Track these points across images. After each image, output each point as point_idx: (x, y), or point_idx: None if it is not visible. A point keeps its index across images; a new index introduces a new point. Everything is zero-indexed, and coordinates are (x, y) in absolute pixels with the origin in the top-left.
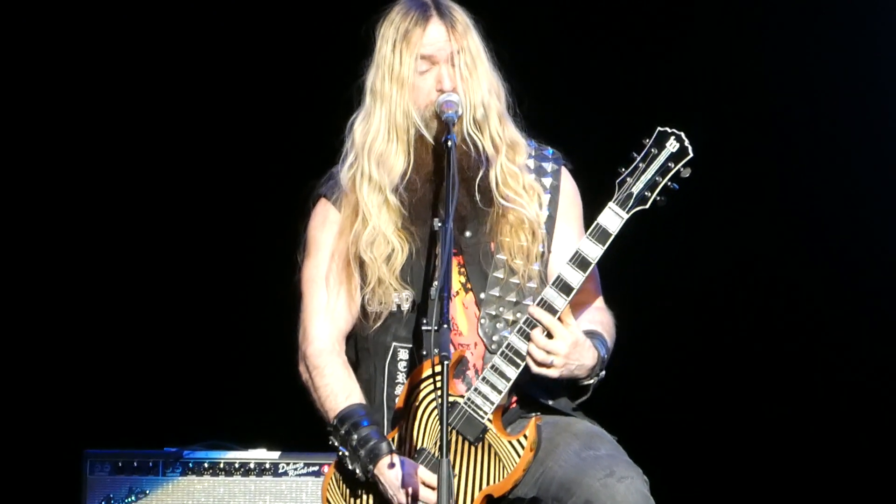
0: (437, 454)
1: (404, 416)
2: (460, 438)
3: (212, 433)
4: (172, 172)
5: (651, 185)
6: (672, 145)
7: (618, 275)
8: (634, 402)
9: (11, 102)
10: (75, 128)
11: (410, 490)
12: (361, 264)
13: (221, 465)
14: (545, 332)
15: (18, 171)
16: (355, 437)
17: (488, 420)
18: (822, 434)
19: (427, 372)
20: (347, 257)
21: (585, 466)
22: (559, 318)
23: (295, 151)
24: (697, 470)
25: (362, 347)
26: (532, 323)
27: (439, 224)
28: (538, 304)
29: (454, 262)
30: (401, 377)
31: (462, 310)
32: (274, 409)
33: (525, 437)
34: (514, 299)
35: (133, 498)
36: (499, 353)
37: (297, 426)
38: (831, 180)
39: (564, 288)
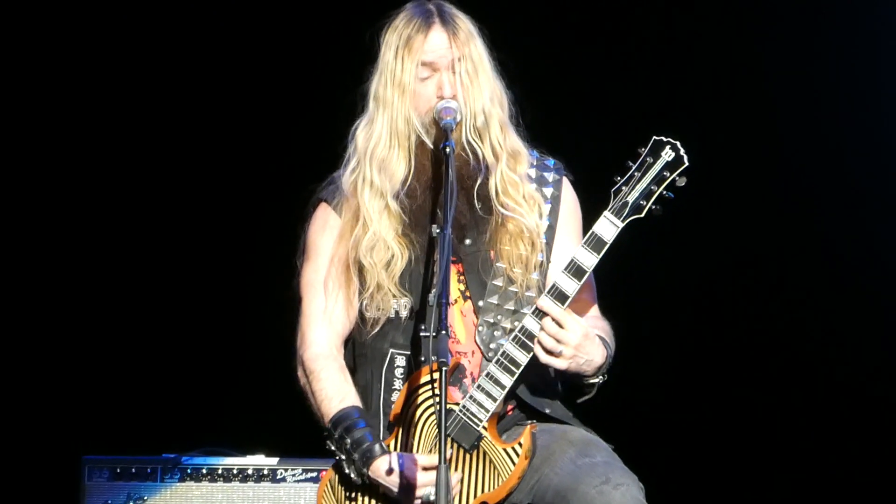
0: None
1: (400, 423)
2: (455, 446)
3: (210, 439)
4: (171, 176)
5: (646, 194)
6: (667, 154)
7: (614, 282)
8: (630, 410)
9: (15, 103)
10: (79, 131)
11: (410, 482)
12: (361, 269)
13: (220, 471)
14: (555, 323)
15: (17, 175)
16: (349, 440)
17: (483, 428)
18: (819, 442)
19: (424, 378)
20: (347, 262)
21: (581, 474)
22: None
23: (295, 155)
24: (693, 477)
25: (360, 353)
26: (528, 332)
27: (437, 230)
28: (532, 314)
29: (454, 270)
30: (397, 384)
31: (460, 318)
32: (272, 415)
33: (520, 444)
34: (513, 308)
35: None
36: (494, 360)
37: (296, 432)
38: (829, 184)
39: (560, 296)
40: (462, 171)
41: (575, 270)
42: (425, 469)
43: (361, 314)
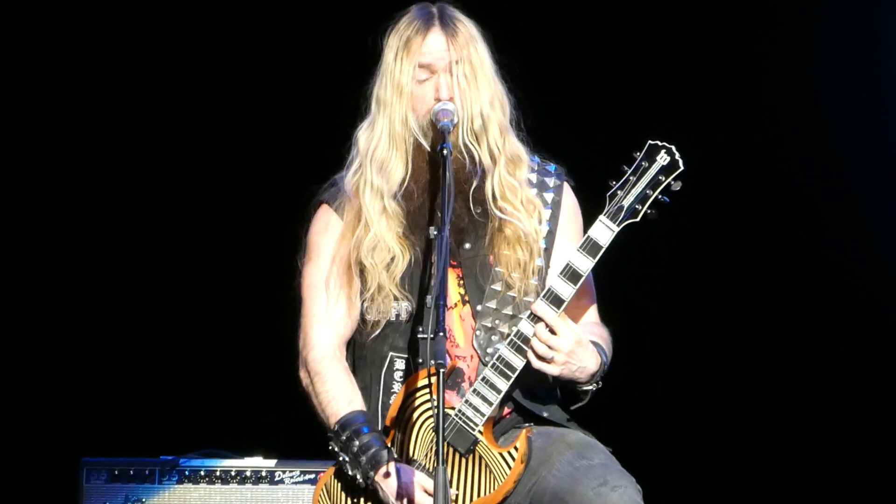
0: (427, 465)
1: (397, 426)
2: (451, 450)
3: (208, 441)
4: (169, 177)
5: (642, 199)
6: (663, 158)
7: (611, 285)
8: (629, 413)
9: (15, 104)
10: (81, 132)
11: (409, 498)
12: (362, 270)
13: (218, 474)
14: (548, 329)
15: (16, 177)
16: (357, 443)
17: (479, 432)
18: (819, 445)
19: (421, 382)
20: (348, 262)
21: (579, 476)
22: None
23: (296, 157)
24: (691, 480)
25: (359, 355)
26: (524, 336)
27: (435, 233)
28: (528, 318)
29: (454, 274)
30: (396, 387)
31: (459, 322)
32: (270, 417)
33: (516, 449)
34: (511, 312)
35: None
36: (490, 365)
37: (294, 434)
38: (827, 187)
39: (555, 300)
40: (458, 174)
41: (570, 275)
42: (425, 490)
43: (362, 316)
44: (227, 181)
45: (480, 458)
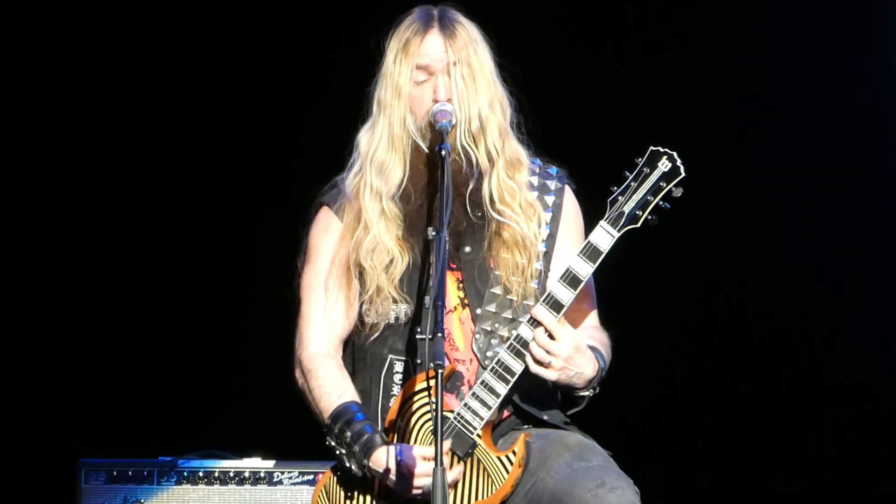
0: None
1: (395, 429)
2: (450, 453)
3: (207, 442)
4: (169, 178)
5: (643, 205)
6: (664, 165)
7: (612, 290)
8: (628, 416)
9: (24, 105)
10: (84, 133)
11: (410, 472)
12: (361, 272)
13: (216, 474)
14: (547, 334)
15: (17, 177)
16: (349, 433)
17: (477, 436)
18: (818, 448)
19: (419, 385)
20: (348, 263)
21: (577, 478)
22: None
23: (296, 158)
24: (690, 483)
25: (359, 358)
26: (523, 341)
27: (433, 233)
28: (528, 322)
29: (453, 277)
30: (396, 389)
31: (459, 325)
32: (269, 418)
33: (514, 452)
34: (510, 316)
35: None
36: (489, 369)
37: (292, 435)
38: (828, 195)
39: (555, 305)
40: (456, 177)
41: (570, 280)
42: (425, 459)
43: (361, 318)
44: (228, 182)
45: (478, 461)
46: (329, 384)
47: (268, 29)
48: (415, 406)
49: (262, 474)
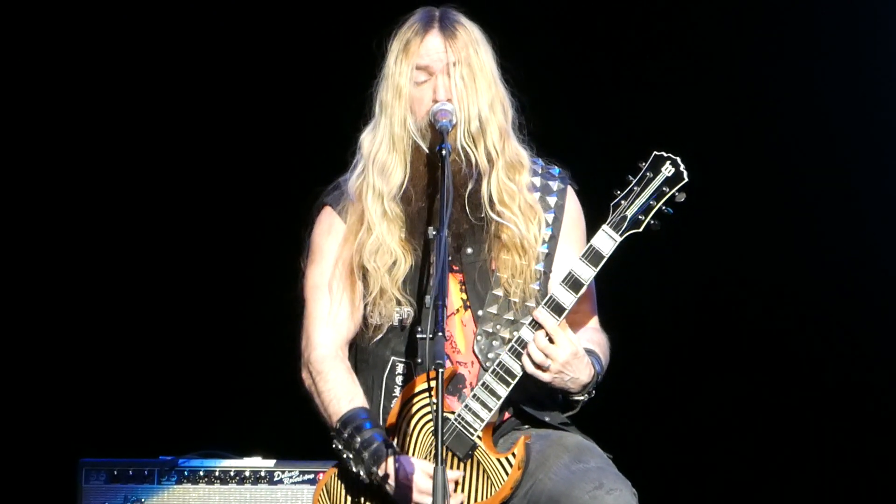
0: None
1: (397, 430)
2: (450, 455)
3: (207, 441)
4: (170, 178)
5: (645, 209)
6: (667, 169)
7: (613, 294)
8: (627, 418)
9: (27, 105)
10: (85, 134)
11: (412, 487)
12: (364, 273)
13: (217, 474)
14: (547, 337)
15: (17, 178)
16: (359, 439)
17: (477, 437)
18: (817, 450)
19: (420, 387)
20: (351, 265)
21: (575, 479)
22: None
23: (298, 159)
24: (690, 486)
25: (361, 359)
26: (524, 342)
27: (433, 232)
28: (529, 325)
29: (455, 279)
30: (398, 391)
31: (460, 327)
32: (269, 418)
33: (514, 454)
34: (511, 318)
35: None
36: (490, 370)
37: (293, 434)
38: (831, 200)
39: (556, 308)
40: (455, 178)
41: (572, 283)
42: (430, 476)
43: (365, 320)
44: (229, 183)
45: (478, 462)
46: (339, 388)
47: (270, 30)
48: (415, 407)
49: (262, 474)
